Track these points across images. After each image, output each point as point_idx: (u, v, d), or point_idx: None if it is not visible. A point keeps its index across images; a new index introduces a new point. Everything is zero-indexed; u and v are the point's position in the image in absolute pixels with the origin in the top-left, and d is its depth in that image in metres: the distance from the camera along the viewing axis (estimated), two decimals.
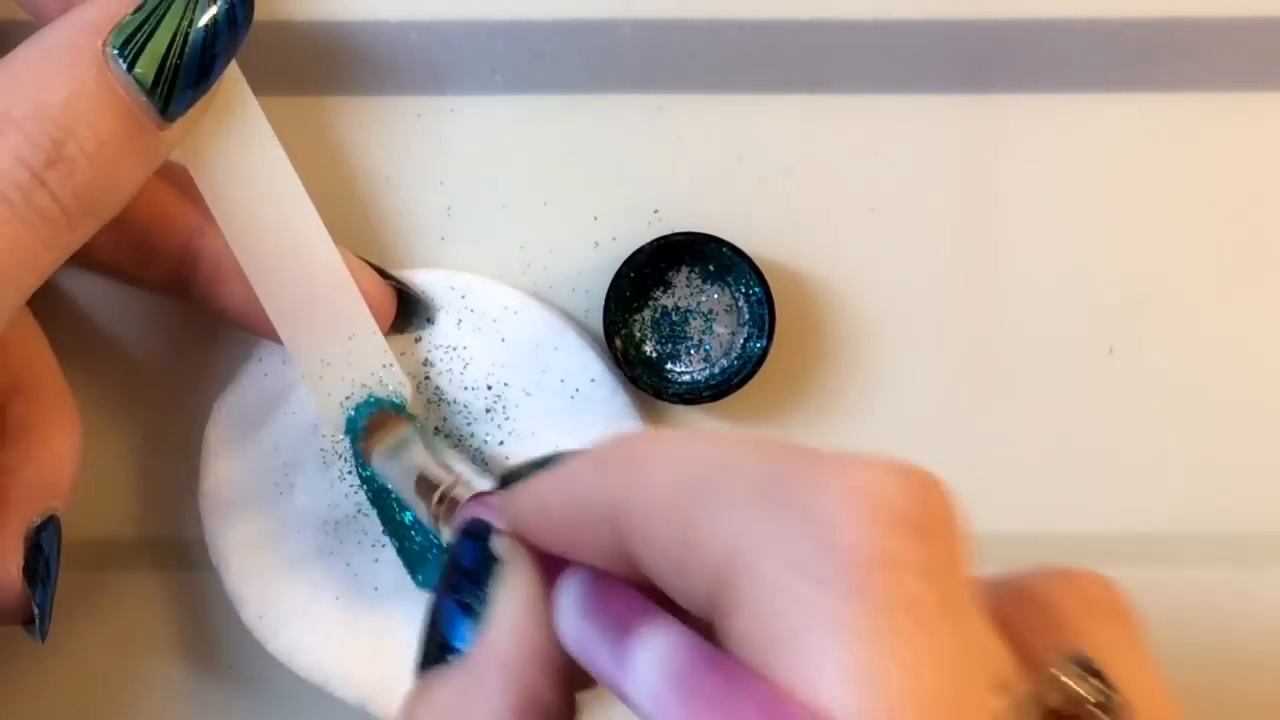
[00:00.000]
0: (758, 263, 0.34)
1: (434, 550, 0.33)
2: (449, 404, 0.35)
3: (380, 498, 0.33)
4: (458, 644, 0.21)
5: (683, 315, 0.36)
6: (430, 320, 0.35)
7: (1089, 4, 0.36)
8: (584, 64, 0.36)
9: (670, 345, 0.36)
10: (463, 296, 0.35)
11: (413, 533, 0.33)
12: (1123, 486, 0.37)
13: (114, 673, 0.37)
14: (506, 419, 0.35)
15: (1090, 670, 0.19)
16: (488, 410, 0.35)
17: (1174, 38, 0.36)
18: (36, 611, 0.30)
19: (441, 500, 0.29)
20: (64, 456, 0.31)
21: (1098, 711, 0.19)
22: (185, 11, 0.28)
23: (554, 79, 0.36)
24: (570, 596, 0.21)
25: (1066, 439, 0.37)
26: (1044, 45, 0.36)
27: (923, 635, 0.17)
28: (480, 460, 0.35)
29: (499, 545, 0.22)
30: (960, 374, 0.37)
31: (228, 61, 0.29)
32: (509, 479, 0.23)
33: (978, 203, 0.36)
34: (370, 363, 0.33)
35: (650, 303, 0.36)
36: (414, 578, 0.34)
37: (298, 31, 0.35)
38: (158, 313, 0.36)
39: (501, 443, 0.35)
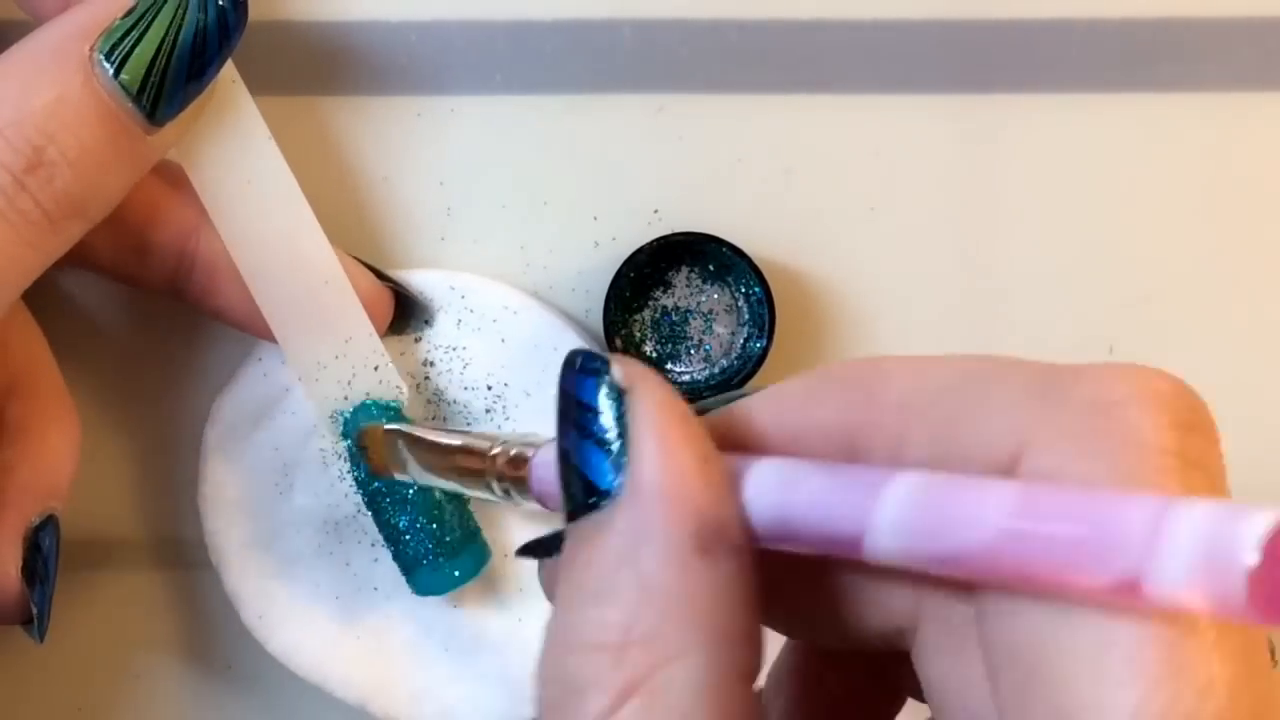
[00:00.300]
0: (758, 263, 0.34)
1: (429, 556, 0.33)
2: (449, 404, 0.35)
3: (375, 501, 0.33)
4: (605, 485, 0.20)
5: (683, 315, 0.36)
6: (428, 322, 0.35)
7: (1089, 4, 0.36)
8: (584, 64, 0.36)
9: (670, 345, 0.36)
10: (463, 296, 0.35)
11: (407, 537, 0.33)
12: None
13: (114, 673, 0.37)
14: (506, 419, 0.35)
15: None
16: (488, 410, 0.35)
17: (1174, 38, 0.36)
18: (35, 611, 0.30)
19: (506, 462, 0.27)
20: (62, 456, 0.31)
21: None
22: (174, 17, 0.28)
23: (554, 79, 0.36)
24: (769, 470, 0.20)
25: None
26: (1044, 45, 0.36)
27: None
28: None
29: (620, 374, 0.20)
30: None
31: (220, 66, 0.29)
32: (721, 400, 0.22)
33: (978, 203, 0.36)
34: (366, 366, 0.33)
35: (650, 303, 0.36)
36: (410, 583, 0.34)
37: (298, 31, 0.35)
38: (157, 313, 0.36)
39: None
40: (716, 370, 0.35)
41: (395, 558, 0.34)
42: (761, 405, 0.21)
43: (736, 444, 0.21)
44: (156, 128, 0.28)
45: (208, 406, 0.35)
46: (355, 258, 0.33)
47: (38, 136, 0.27)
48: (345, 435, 0.33)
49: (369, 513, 0.35)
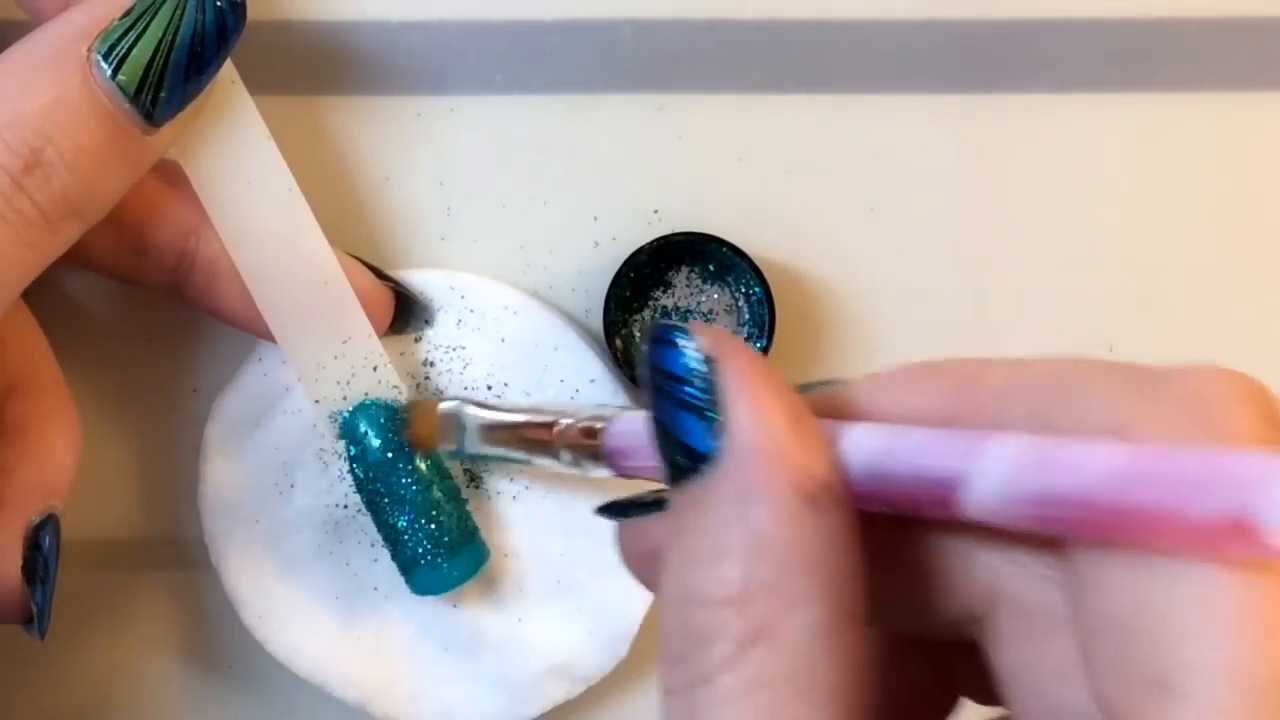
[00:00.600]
0: (758, 263, 0.34)
1: (427, 556, 0.33)
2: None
3: (374, 502, 0.33)
4: (705, 449, 0.20)
5: (683, 315, 0.36)
6: (429, 322, 0.35)
7: (1089, 4, 0.36)
8: (584, 64, 0.36)
9: None
10: (462, 296, 0.35)
11: (405, 537, 0.33)
12: None
13: (114, 673, 0.37)
14: None
15: None
16: None
17: (1174, 38, 0.36)
18: (35, 610, 0.30)
19: (584, 433, 0.27)
20: (63, 455, 0.31)
21: None
22: (173, 17, 0.28)
23: (554, 79, 0.36)
24: (864, 433, 0.21)
25: None
26: (1044, 45, 0.36)
27: None
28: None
29: (706, 343, 0.21)
30: None
31: (219, 66, 0.29)
32: (822, 383, 0.23)
33: (978, 203, 0.36)
34: (365, 366, 0.33)
35: (650, 303, 0.36)
36: (409, 582, 0.34)
37: (298, 31, 0.35)
38: (158, 313, 0.36)
39: None
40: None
41: (394, 558, 0.34)
42: (859, 389, 0.22)
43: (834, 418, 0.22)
44: (155, 128, 0.28)
45: (208, 406, 0.35)
46: (355, 257, 0.33)
47: (35, 138, 0.27)
48: (344, 435, 0.33)
49: (368, 513, 0.35)
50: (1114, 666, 0.18)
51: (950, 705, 0.24)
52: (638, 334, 0.36)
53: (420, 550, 0.33)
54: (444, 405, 0.33)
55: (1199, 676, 0.17)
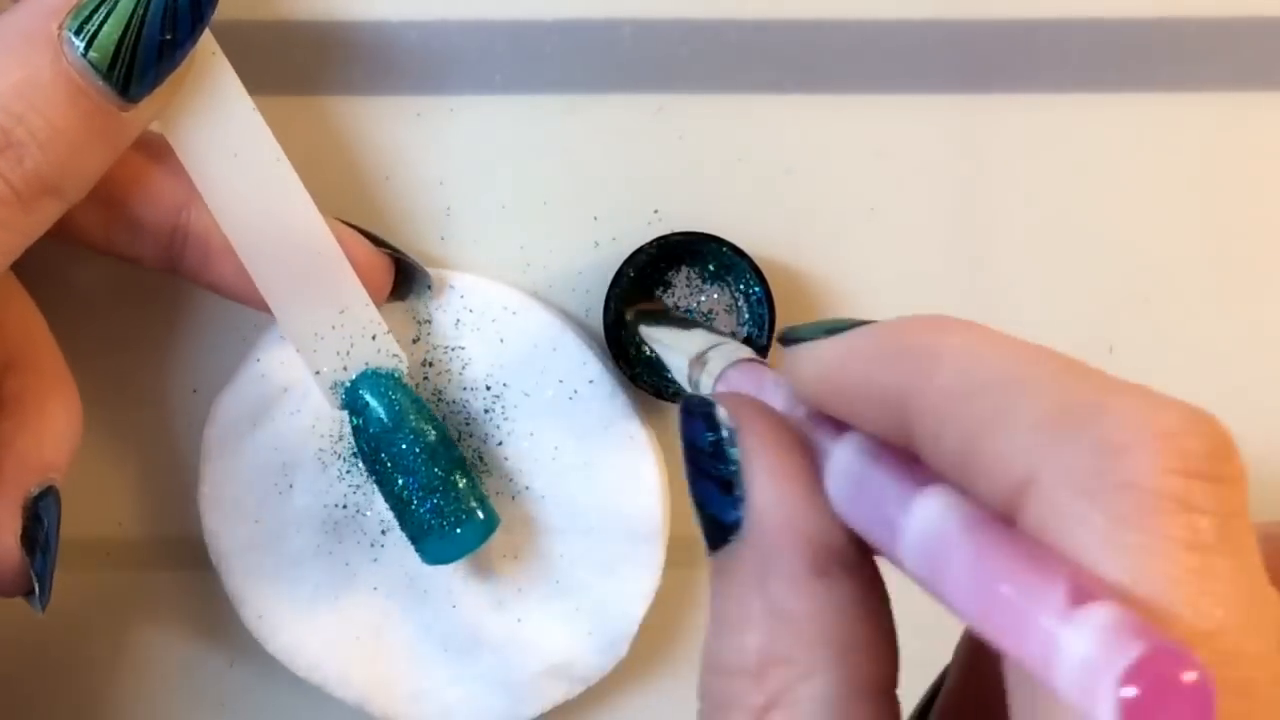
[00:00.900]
0: (758, 263, 0.34)
1: (436, 524, 0.33)
2: (447, 404, 0.35)
3: (379, 471, 0.33)
4: (729, 521, 0.22)
5: (683, 315, 0.36)
6: (429, 287, 0.34)
7: (1089, 4, 0.36)
8: (584, 64, 0.36)
9: None
10: (462, 296, 0.35)
11: (413, 506, 0.33)
12: None
13: (114, 673, 0.37)
14: (505, 419, 0.35)
15: None
16: (486, 411, 0.35)
17: (1174, 38, 0.36)
18: (36, 581, 0.30)
19: (699, 361, 0.29)
20: (62, 429, 0.31)
21: None
22: None
23: (554, 79, 0.36)
24: (842, 463, 0.21)
25: None
26: (1044, 45, 0.36)
27: (1211, 569, 0.17)
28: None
29: (724, 413, 0.22)
30: None
31: (194, 40, 0.29)
32: (791, 338, 0.23)
33: (978, 203, 0.36)
34: (364, 335, 0.33)
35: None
36: (419, 551, 0.33)
37: (298, 31, 0.35)
38: (158, 313, 0.36)
39: (500, 443, 0.35)
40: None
41: (403, 528, 0.33)
42: (832, 355, 0.22)
43: (809, 390, 0.22)
44: (131, 104, 0.28)
45: (208, 406, 0.35)
46: (352, 225, 0.33)
47: (5, 118, 0.26)
48: (346, 406, 0.33)
49: (370, 510, 0.35)
50: None
51: None
52: (638, 334, 0.36)
53: (428, 518, 0.33)
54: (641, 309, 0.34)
55: None
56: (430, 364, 0.35)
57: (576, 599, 0.35)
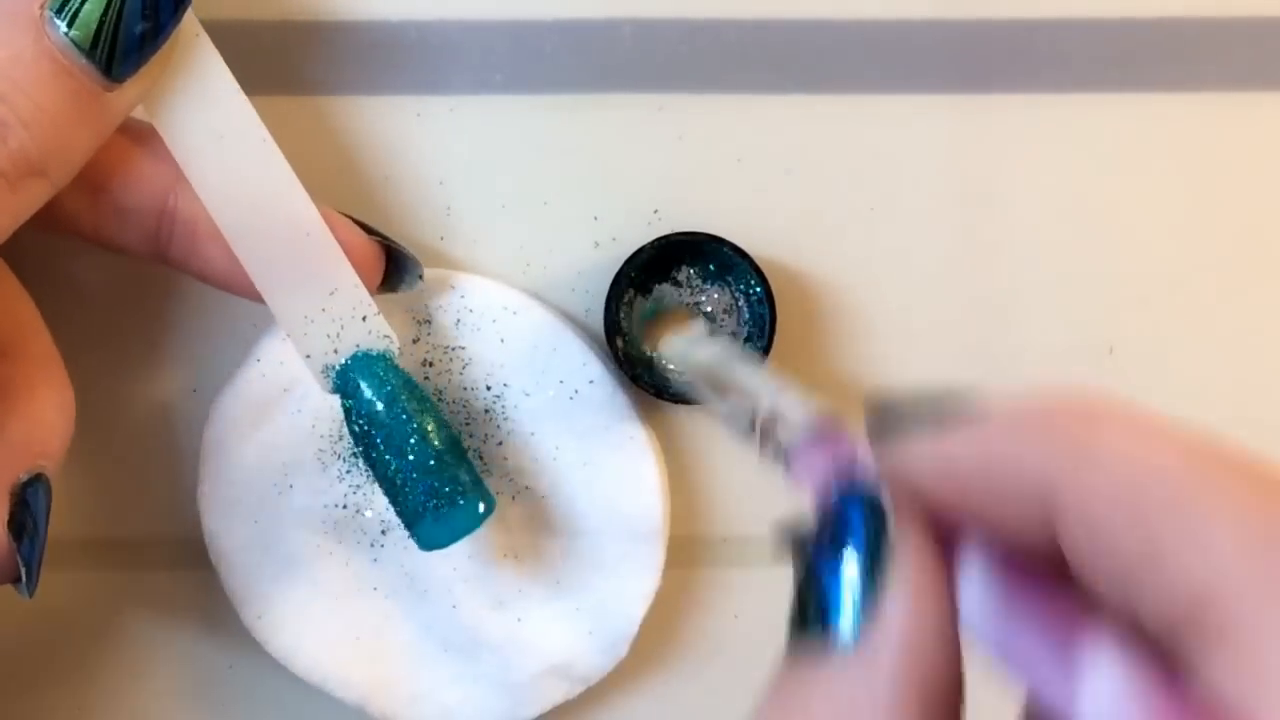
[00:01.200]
0: (758, 263, 0.34)
1: (430, 507, 0.32)
2: (447, 405, 0.35)
3: (372, 454, 0.32)
4: (839, 623, 0.19)
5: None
6: (421, 277, 0.34)
7: (1089, 4, 0.36)
8: (584, 64, 0.36)
9: None
10: (462, 296, 0.35)
11: (406, 490, 0.32)
12: None
13: (114, 672, 0.37)
14: (505, 419, 0.35)
15: None
16: (486, 411, 0.35)
17: (1174, 38, 0.36)
18: (23, 566, 0.29)
19: (763, 431, 0.26)
20: (52, 417, 0.31)
21: None
22: None
23: (554, 79, 0.36)
24: (980, 581, 0.19)
25: None
26: (1044, 45, 0.36)
27: None
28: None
29: (890, 512, 0.20)
30: (960, 374, 0.37)
31: (177, 20, 0.28)
32: (884, 416, 0.21)
33: (977, 203, 0.36)
34: (354, 317, 0.32)
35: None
36: (413, 536, 0.33)
37: (298, 31, 0.35)
38: (158, 314, 0.36)
39: (500, 443, 0.35)
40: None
41: (397, 512, 0.33)
42: (960, 450, 0.19)
43: (925, 485, 0.20)
44: (116, 84, 0.28)
45: (207, 406, 0.35)
46: (344, 214, 0.33)
47: None
48: (338, 389, 0.32)
49: (369, 510, 0.35)
50: None
51: None
52: (637, 334, 0.36)
53: (422, 501, 0.32)
54: (693, 326, 0.33)
55: None
56: (430, 364, 0.35)
57: (576, 599, 0.35)
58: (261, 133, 0.30)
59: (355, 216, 0.33)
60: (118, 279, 0.36)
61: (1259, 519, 0.16)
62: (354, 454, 0.35)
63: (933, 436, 0.20)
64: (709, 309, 0.36)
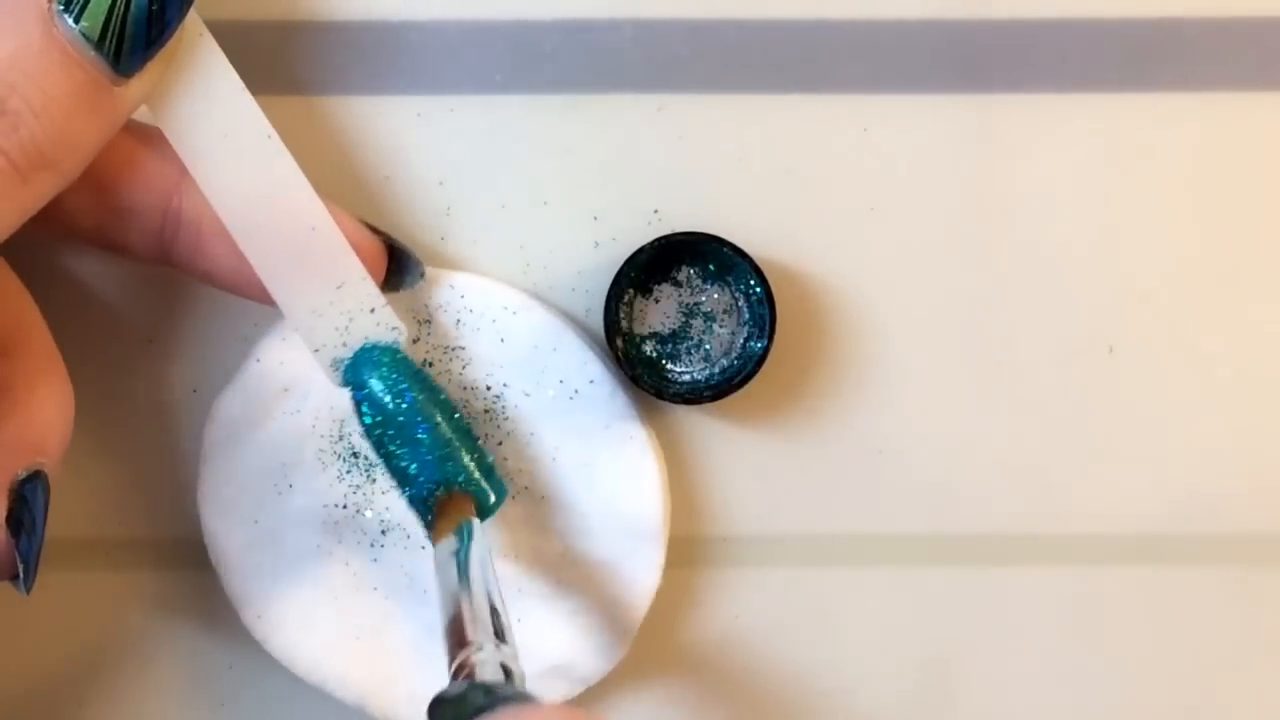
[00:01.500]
0: (758, 263, 0.34)
1: (441, 493, 0.32)
2: None
3: (384, 446, 0.32)
4: None
5: (685, 313, 0.36)
6: (423, 275, 0.34)
7: (1089, 4, 0.36)
8: (584, 64, 0.36)
9: (670, 345, 0.36)
10: (462, 296, 0.35)
11: (420, 480, 0.32)
12: (1123, 486, 0.37)
13: (114, 672, 0.37)
14: (505, 419, 0.35)
15: None
16: (486, 411, 0.35)
17: (1174, 38, 0.36)
18: (21, 563, 0.29)
19: (461, 669, 0.28)
20: (52, 415, 0.31)
21: None
22: None
23: (554, 79, 0.36)
24: None
25: (1066, 439, 0.37)
26: (1044, 45, 0.36)
27: None
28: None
29: None
30: (960, 374, 0.37)
31: (182, 14, 0.28)
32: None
33: (977, 202, 0.36)
34: (362, 309, 0.32)
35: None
36: (425, 526, 0.33)
37: (298, 31, 0.35)
38: (158, 313, 0.36)
39: (500, 443, 0.35)
40: (716, 370, 0.35)
41: (409, 503, 0.33)
42: None
43: None
44: (124, 79, 0.28)
45: (208, 406, 0.35)
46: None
47: (2, 84, 0.26)
48: (347, 382, 0.32)
49: (369, 510, 0.35)
50: None
51: None
52: (637, 333, 0.36)
53: (433, 491, 0.32)
54: (464, 525, 0.32)
55: None
56: (430, 364, 0.35)
57: (576, 599, 0.35)
58: (266, 129, 0.30)
59: (356, 216, 0.33)
60: (118, 279, 0.36)
61: None
62: (354, 454, 0.35)
63: None
64: (709, 309, 0.36)
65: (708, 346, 0.36)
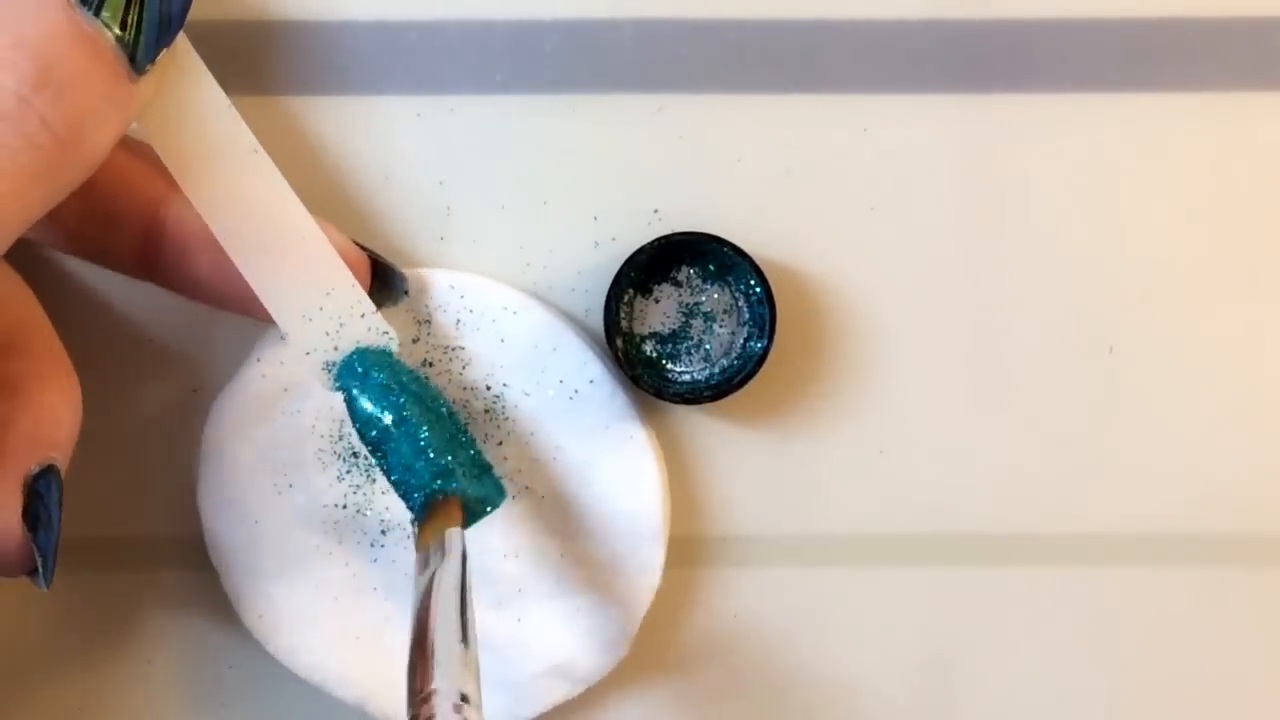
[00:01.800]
0: (758, 263, 0.34)
1: (435, 496, 0.32)
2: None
3: (378, 450, 0.32)
4: None
5: (685, 313, 0.36)
6: (406, 293, 0.34)
7: (1089, 4, 0.36)
8: (584, 64, 0.36)
9: (670, 345, 0.36)
10: (462, 296, 0.35)
11: (414, 483, 0.32)
12: (1123, 486, 0.37)
13: (114, 673, 0.37)
14: (505, 419, 0.35)
15: None
16: (486, 411, 0.35)
17: (1174, 38, 0.36)
18: (39, 558, 0.30)
19: (421, 698, 0.27)
20: (61, 411, 0.31)
21: None
22: None
23: (554, 79, 0.36)
24: None
25: (1066, 439, 0.37)
26: (1044, 45, 0.36)
27: None
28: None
29: None
30: (960, 374, 0.37)
31: (186, 10, 0.29)
32: None
33: (977, 203, 0.36)
34: (353, 314, 0.32)
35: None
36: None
37: (298, 31, 0.35)
38: (158, 313, 0.36)
39: (500, 443, 0.35)
40: (716, 370, 0.35)
41: (407, 506, 0.33)
42: None
43: None
44: (138, 74, 0.28)
45: (207, 406, 0.35)
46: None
47: (40, 59, 0.26)
48: (338, 386, 0.32)
49: (369, 510, 0.35)
50: None
51: None
52: (637, 333, 0.36)
53: (429, 495, 0.32)
54: (450, 532, 0.31)
55: None
56: (430, 364, 0.35)
57: (576, 599, 0.35)
58: (251, 141, 0.31)
59: (355, 218, 0.33)
60: (118, 280, 0.36)
61: None
62: (354, 454, 0.35)
63: None
64: (709, 309, 0.36)
65: (708, 346, 0.36)
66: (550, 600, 0.35)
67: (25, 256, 0.31)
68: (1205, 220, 0.37)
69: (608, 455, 0.35)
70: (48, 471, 0.30)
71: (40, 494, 0.29)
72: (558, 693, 0.36)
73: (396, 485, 0.32)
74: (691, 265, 0.36)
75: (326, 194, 0.33)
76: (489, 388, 0.35)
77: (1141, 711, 0.38)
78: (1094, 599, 0.37)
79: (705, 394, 0.35)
